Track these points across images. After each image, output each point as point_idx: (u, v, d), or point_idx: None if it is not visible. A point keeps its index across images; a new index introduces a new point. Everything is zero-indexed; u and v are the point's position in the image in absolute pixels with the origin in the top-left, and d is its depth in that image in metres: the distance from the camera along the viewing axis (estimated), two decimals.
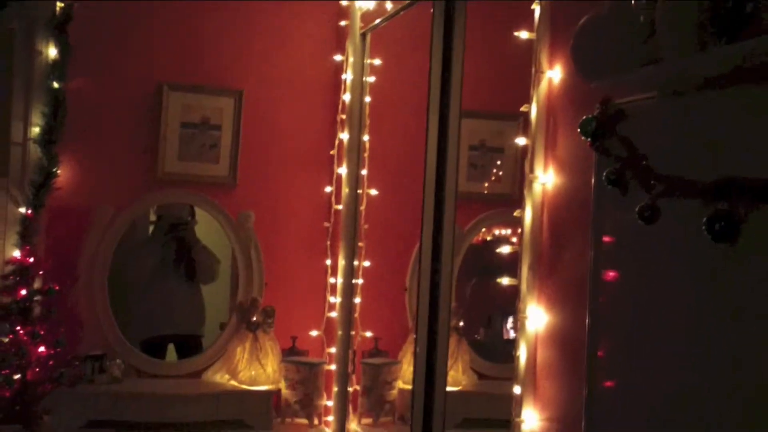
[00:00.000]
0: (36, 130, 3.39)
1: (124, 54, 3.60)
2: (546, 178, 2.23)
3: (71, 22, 3.39)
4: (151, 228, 3.94)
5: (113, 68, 3.59)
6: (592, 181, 1.96)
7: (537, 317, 2.21)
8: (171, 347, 3.90)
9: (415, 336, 2.80)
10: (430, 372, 2.70)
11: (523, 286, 2.24)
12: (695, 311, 1.64)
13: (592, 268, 1.97)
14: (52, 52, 3.40)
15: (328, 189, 3.77)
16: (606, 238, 1.96)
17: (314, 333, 3.71)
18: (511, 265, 2.35)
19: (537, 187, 2.24)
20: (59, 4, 3.37)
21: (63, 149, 3.41)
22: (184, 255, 3.83)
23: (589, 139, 1.65)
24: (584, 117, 1.65)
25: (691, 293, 1.65)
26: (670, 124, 1.72)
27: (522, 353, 2.22)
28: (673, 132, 1.71)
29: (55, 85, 3.38)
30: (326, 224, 3.76)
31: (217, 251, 3.88)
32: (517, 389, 2.23)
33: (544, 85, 2.26)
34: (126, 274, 3.69)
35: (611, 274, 1.94)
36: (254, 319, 3.52)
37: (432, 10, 2.78)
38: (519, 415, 2.21)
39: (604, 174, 1.60)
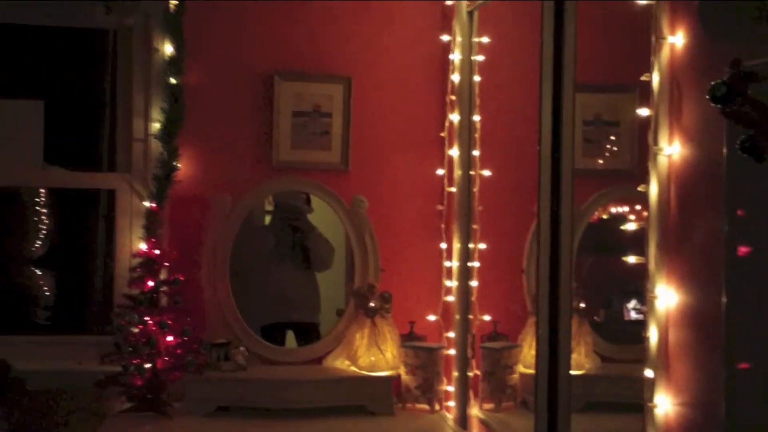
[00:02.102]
0: (156, 126, 3.50)
1: (235, 46, 3.66)
2: (672, 150, 2.13)
3: (184, 18, 3.47)
4: (267, 217, 4.01)
5: (226, 61, 3.65)
6: (724, 150, 1.86)
7: (667, 297, 2.11)
8: (290, 334, 3.96)
9: (536, 318, 2.74)
10: (554, 355, 2.63)
11: (651, 265, 2.15)
12: None
13: (726, 243, 1.86)
14: (168, 48, 3.50)
15: (440, 171, 3.73)
16: (740, 211, 1.85)
17: (432, 317, 3.68)
18: (630, 243, 2.27)
19: (662, 160, 2.14)
20: (173, 2, 3.45)
21: (182, 142, 3.50)
22: (298, 243, 3.88)
23: (718, 105, 1.55)
24: (713, 82, 1.55)
25: None
26: None
27: (652, 335, 2.13)
28: None
29: (173, 80, 3.47)
30: (440, 207, 3.72)
31: (331, 238, 3.90)
32: (648, 372, 2.14)
33: (665, 52, 2.16)
34: (243, 262, 3.76)
35: (747, 248, 1.83)
36: (372, 305, 3.52)
37: None
38: (651, 399, 2.12)
39: (737, 142, 1.50)
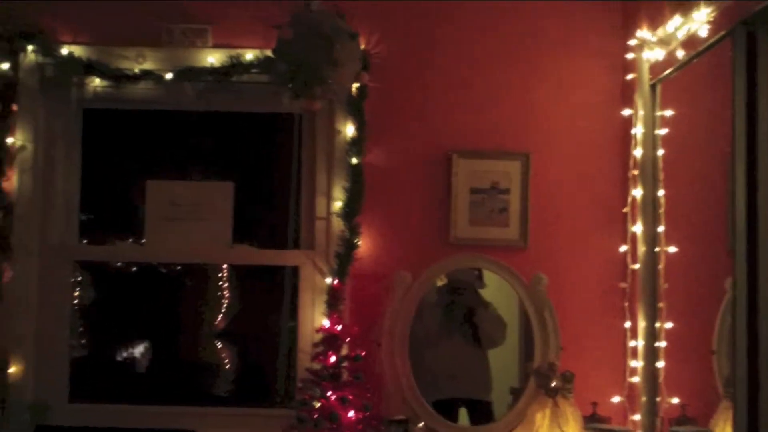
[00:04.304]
0: (338, 204, 3.64)
1: (414, 126, 3.77)
2: None
3: (366, 101, 3.63)
4: (437, 292, 4.02)
5: (405, 140, 3.77)
6: None
7: None
8: (463, 411, 3.91)
9: (732, 403, 2.58)
10: None
11: None
12: None
13: None
14: (350, 129, 3.65)
15: (622, 248, 3.64)
16: None
17: (616, 399, 3.55)
18: None
19: None
20: (355, 85, 3.61)
21: (362, 220, 3.62)
22: (467, 319, 3.86)
23: None
24: None
25: None
26: None
27: None
28: None
29: (354, 160, 3.62)
30: (623, 285, 3.62)
31: (505, 315, 3.85)
32: None
33: None
34: (415, 337, 3.78)
35: None
36: (553, 384, 3.44)
37: (731, 52, 2.62)
38: None
39: None
